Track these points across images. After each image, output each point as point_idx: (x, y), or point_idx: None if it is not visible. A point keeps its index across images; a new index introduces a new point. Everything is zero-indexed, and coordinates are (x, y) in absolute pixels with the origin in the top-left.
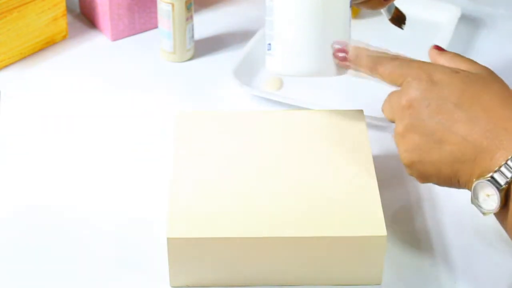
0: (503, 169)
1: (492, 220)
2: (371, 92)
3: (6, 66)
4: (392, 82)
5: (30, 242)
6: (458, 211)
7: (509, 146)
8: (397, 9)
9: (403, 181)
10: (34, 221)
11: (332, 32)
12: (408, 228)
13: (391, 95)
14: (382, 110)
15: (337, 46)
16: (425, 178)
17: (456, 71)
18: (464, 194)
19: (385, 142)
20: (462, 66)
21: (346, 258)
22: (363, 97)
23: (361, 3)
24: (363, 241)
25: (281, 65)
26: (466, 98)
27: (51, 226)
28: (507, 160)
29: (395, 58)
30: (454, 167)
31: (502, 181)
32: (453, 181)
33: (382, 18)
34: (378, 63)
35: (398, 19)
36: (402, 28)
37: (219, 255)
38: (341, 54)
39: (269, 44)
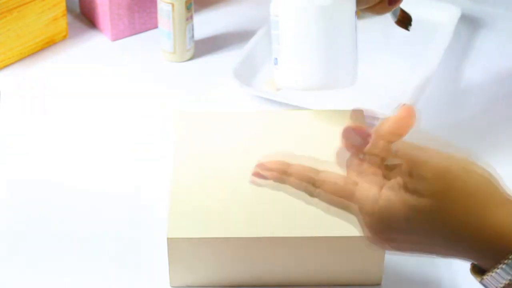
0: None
1: None
2: (371, 92)
3: (6, 66)
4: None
5: (31, 241)
6: None
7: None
8: (402, 11)
9: None
10: (33, 225)
11: (339, 44)
12: None
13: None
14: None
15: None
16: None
17: (406, 195)
18: None
19: None
20: (422, 167)
21: (346, 258)
22: (363, 97)
23: (366, 9)
24: (363, 241)
25: (290, 80)
26: (413, 226)
27: (50, 227)
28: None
29: (334, 183)
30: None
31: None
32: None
33: (382, 19)
34: (314, 193)
35: (404, 20)
36: (408, 30)
37: (219, 255)
38: (258, 171)
39: (276, 58)
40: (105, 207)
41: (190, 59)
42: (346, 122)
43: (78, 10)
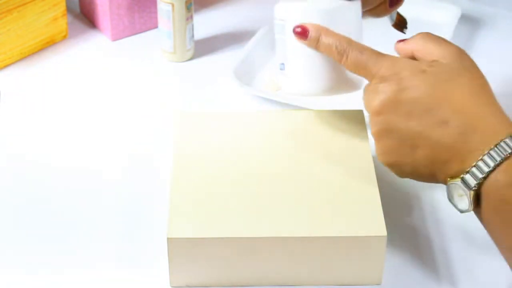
0: (474, 170)
1: None
2: None
3: (6, 66)
4: (358, 74)
5: (31, 241)
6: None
7: (479, 148)
8: (399, 14)
9: (403, 181)
10: (34, 225)
11: None
12: (408, 228)
13: (364, 93)
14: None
15: (296, 29)
16: (404, 175)
17: (423, 71)
18: None
19: None
20: (433, 50)
21: (346, 258)
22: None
23: (366, 11)
24: (363, 241)
25: (298, 86)
26: (435, 100)
27: (50, 227)
28: (477, 162)
29: (363, 50)
30: (431, 168)
31: (472, 182)
32: (432, 179)
33: (382, 20)
34: (344, 52)
35: (400, 24)
36: (404, 33)
37: (219, 255)
38: (298, 29)
39: (282, 64)
40: (105, 207)
41: (190, 59)
42: (346, 122)
43: (78, 10)
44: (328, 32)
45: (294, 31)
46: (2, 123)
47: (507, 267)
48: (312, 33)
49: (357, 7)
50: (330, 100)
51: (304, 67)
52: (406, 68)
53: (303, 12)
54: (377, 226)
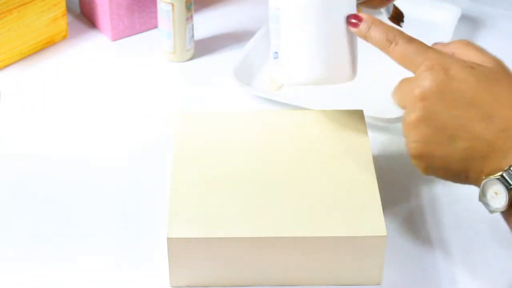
0: None
1: (492, 220)
2: (371, 92)
3: (6, 66)
4: (403, 65)
5: (31, 241)
6: (458, 211)
7: None
8: (395, 7)
9: (403, 181)
10: (33, 225)
11: (340, 38)
12: (408, 227)
13: (402, 82)
14: (392, 96)
15: (350, 19)
16: (431, 171)
17: (471, 66)
18: (464, 194)
19: (385, 142)
20: (473, 57)
21: (346, 258)
22: (363, 97)
23: (363, 3)
24: (363, 241)
25: (292, 74)
26: (481, 95)
27: (50, 227)
28: None
29: (411, 41)
30: (464, 163)
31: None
32: (461, 176)
33: (382, 17)
34: (393, 41)
35: (397, 16)
36: (401, 26)
37: (219, 255)
38: (353, 20)
39: (276, 52)
40: (105, 207)
41: (190, 59)
42: (346, 122)
43: (78, 10)
44: (378, 20)
45: (347, 21)
46: (2, 123)
47: (507, 267)
48: (364, 22)
49: None
50: (330, 100)
51: (297, 55)
52: (454, 62)
53: (298, 1)
54: (377, 226)
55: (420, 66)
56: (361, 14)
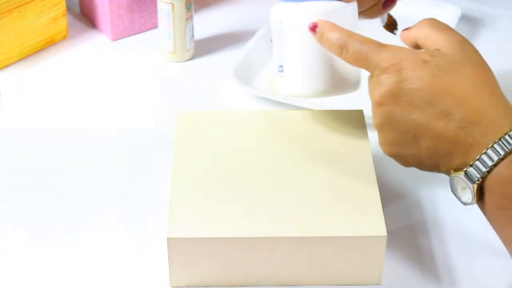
0: (477, 163)
1: None
2: None
3: (6, 66)
4: (359, 66)
5: (31, 242)
6: (458, 211)
7: (482, 141)
8: (389, 15)
9: (403, 181)
10: (34, 228)
11: None
12: (408, 228)
13: (368, 82)
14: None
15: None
16: (408, 166)
17: (425, 60)
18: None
19: None
20: (434, 40)
21: (346, 258)
22: (363, 97)
23: (360, 12)
24: (363, 241)
25: (297, 88)
26: (437, 92)
27: (50, 227)
28: (480, 155)
29: (363, 41)
30: (433, 160)
31: (475, 176)
32: (434, 170)
33: (374, 21)
34: (345, 43)
35: (391, 25)
36: (395, 34)
37: (219, 255)
38: (311, 25)
39: (281, 66)
40: (105, 207)
41: (190, 59)
42: (346, 122)
43: (78, 10)
44: (331, 26)
45: (309, 27)
46: (2, 123)
47: (507, 267)
48: (318, 28)
49: (354, 8)
50: (330, 100)
51: (302, 69)
52: (407, 59)
53: (301, 15)
54: (377, 226)
55: (375, 68)
56: (318, 21)
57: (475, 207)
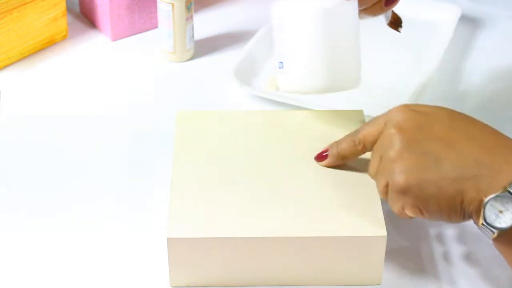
0: None
1: None
2: (371, 92)
3: (6, 66)
4: (375, 144)
5: (32, 241)
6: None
7: None
8: (394, 13)
9: None
10: (34, 229)
11: (345, 46)
12: (408, 228)
13: (372, 153)
14: (370, 174)
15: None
16: (422, 204)
17: (440, 107)
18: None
19: None
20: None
21: (346, 258)
22: (363, 97)
23: (362, 10)
24: (363, 241)
25: (297, 84)
26: (457, 121)
27: (50, 227)
28: None
29: (341, 139)
30: (457, 185)
31: None
32: (455, 202)
33: (378, 18)
34: (333, 155)
35: (396, 22)
36: (399, 31)
37: (219, 255)
38: (323, 154)
39: (281, 62)
40: (105, 207)
41: (190, 59)
42: (346, 122)
43: (78, 10)
44: (335, 143)
45: (316, 160)
46: (2, 123)
47: (507, 266)
48: (330, 149)
49: (354, 5)
50: (330, 100)
51: (302, 65)
52: (418, 105)
53: (302, 11)
54: (377, 226)
55: (386, 122)
56: (324, 149)
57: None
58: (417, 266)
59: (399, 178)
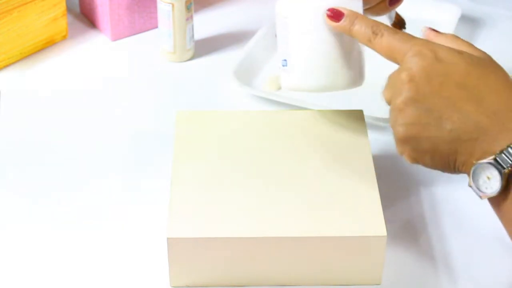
0: (507, 151)
1: (492, 220)
2: (371, 92)
3: (6, 66)
4: (390, 56)
5: (31, 242)
6: (458, 211)
7: None
8: (397, 13)
9: (403, 181)
10: (34, 229)
11: (349, 44)
12: (408, 228)
13: (390, 75)
14: (382, 94)
15: (329, 13)
16: (418, 156)
17: (459, 52)
18: (464, 194)
19: (385, 142)
20: (463, 48)
21: (346, 258)
22: (363, 97)
23: (366, 9)
24: (363, 241)
25: (301, 82)
26: (471, 78)
27: (50, 227)
28: (511, 143)
29: (396, 31)
30: (453, 145)
31: (505, 163)
32: (449, 160)
33: (383, 19)
34: (378, 33)
35: (399, 23)
36: None
37: (219, 255)
38: (332, 14)
39: (285, 60)
40: (105, 208)
41: (190, 59)
42: (346, 122)
43: (78, 10)
44: (359, 16)
45: (329, 15)
46: (2, 123)
47: (507, 267)
48: (346, 18)
49: (359, 4)
50: (330, 100)
51: (306, 63)
52: (442, 46)
53: (306, 9)
54: (377, 226)
55: (407, 53)
56: (343, 10)
57: (476, 207)
58: (417, 266)
59: (400, 129)
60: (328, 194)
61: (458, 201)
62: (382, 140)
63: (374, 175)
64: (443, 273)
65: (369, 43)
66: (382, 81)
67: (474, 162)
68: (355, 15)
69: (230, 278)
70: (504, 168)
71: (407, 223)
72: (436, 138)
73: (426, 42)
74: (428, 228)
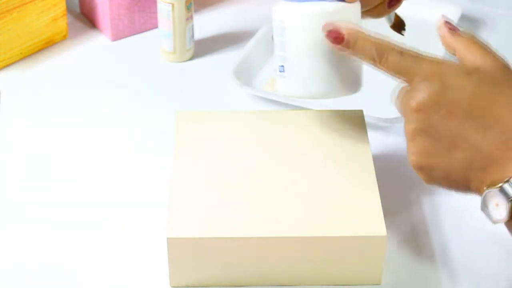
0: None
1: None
2: (371, 92)
3: (6, 66)
4: (397, 76)
5: (32, 241)
6: (458, 211)
7: None
8: (397, 15)
9: (403, 181)
10: (33, 229)
11: None
12: (408, 228)
13: (401, 92)
14: (393, 103)
15: (328, 28)
16: (433, 181)
17: (468, 72)
18: (464, 195)
19: (385, 142)
20: (475, 56)
21: (346, 258)
22: (363, 97)
23: (365, 12)
24: (363, 241)
25: (298, 88)
26: (478, 104)
27: (50, 226)
28: None
29: (403, 51)
30: (465, 174)
31: (511, 192)
32: (463, 186)
33: (381, 21)
34: (384, 52)
35: (399, 25)
36: (402, 34)
37: (219, 255)
38: (330, 35)
39: (282, 66)
40: (104, 208)
41: (190, 59)
42: (346, 122)
43: (78, 10)
44: (364, 34)
45: (327, 36)
46: (2, 123)
47: (507, 266)
48: (349, 36)
49: (357, 8)
50: (330, 100)
51: (303, 69)
52: (450, 69)
53: (303, 14)
54: (377, 226)
55: (415, 76)
56: (342, 28)
57: (476, 206)
58: (417, 266)
59: (412, 157)
60: (328, 194)
61: (459, 201)
62: (382, 140)
63: (374, 175)
64: (443, 273)
65: (375, 63)
66: (382, 81)
67: (485, 189)
68: (356, 33)
69: (230, 278)
70: (510, 197)
71: (407, 223)
72: (447, 167)
73: (434, 65)
74: (428, 228)
